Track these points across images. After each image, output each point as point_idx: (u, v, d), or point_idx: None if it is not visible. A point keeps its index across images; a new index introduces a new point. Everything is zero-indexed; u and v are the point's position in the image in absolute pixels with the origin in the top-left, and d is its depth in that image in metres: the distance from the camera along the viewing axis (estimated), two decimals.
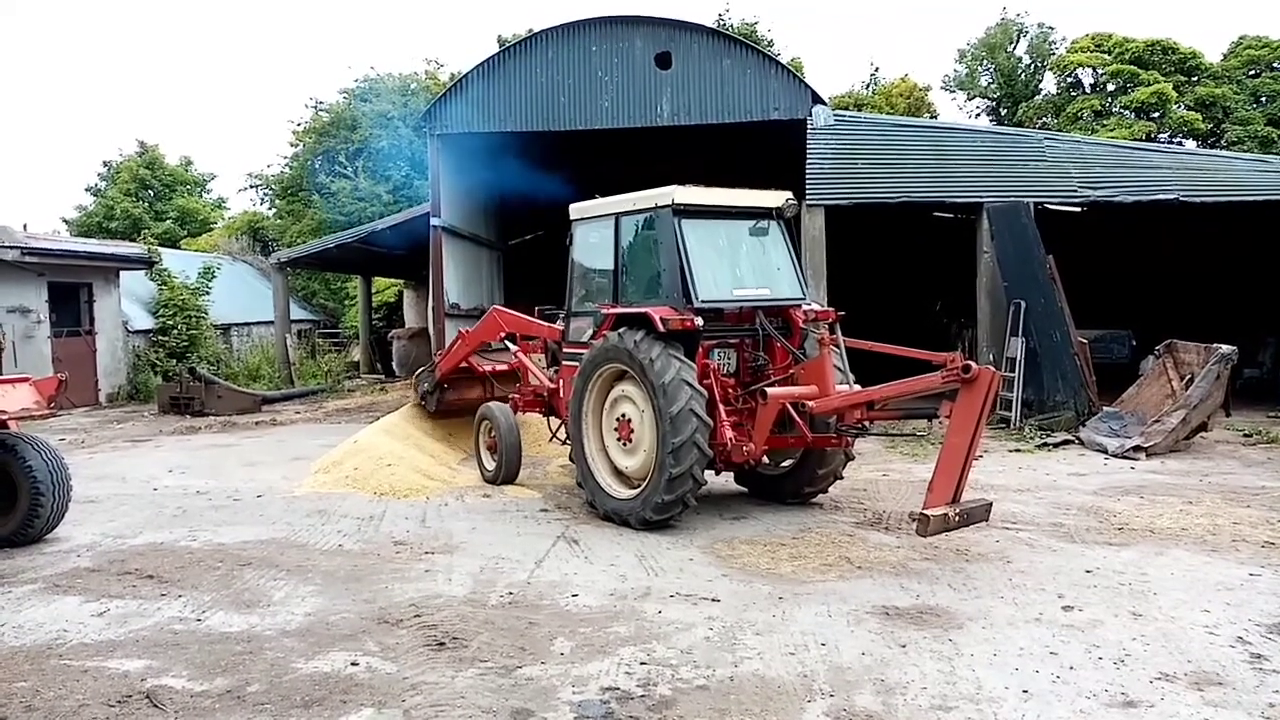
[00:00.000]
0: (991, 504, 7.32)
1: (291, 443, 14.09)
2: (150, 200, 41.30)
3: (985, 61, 40.71)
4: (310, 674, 5.16)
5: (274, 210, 39.78)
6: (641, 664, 5.27)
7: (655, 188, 8.77)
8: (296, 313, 28.77)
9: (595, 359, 8.73)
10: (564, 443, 9.82)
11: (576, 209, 9.76)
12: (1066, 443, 13.04)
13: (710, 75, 16.32)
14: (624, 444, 8.60)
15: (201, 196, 45.41)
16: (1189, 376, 12.74)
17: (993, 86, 40.72)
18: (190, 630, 5.86)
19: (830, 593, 6.49)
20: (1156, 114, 33.18)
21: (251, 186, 41.09)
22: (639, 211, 8.90)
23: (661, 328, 8.04)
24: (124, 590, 6.71)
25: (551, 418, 10.78)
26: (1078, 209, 16.41)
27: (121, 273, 21.83)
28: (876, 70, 47.84)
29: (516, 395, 11.02)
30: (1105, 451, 12.28)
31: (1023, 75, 40.05)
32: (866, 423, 8.40)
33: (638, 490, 8.34)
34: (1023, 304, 14.70)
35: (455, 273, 18.45)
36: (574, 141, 18.06)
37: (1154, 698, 4.79)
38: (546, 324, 10.76)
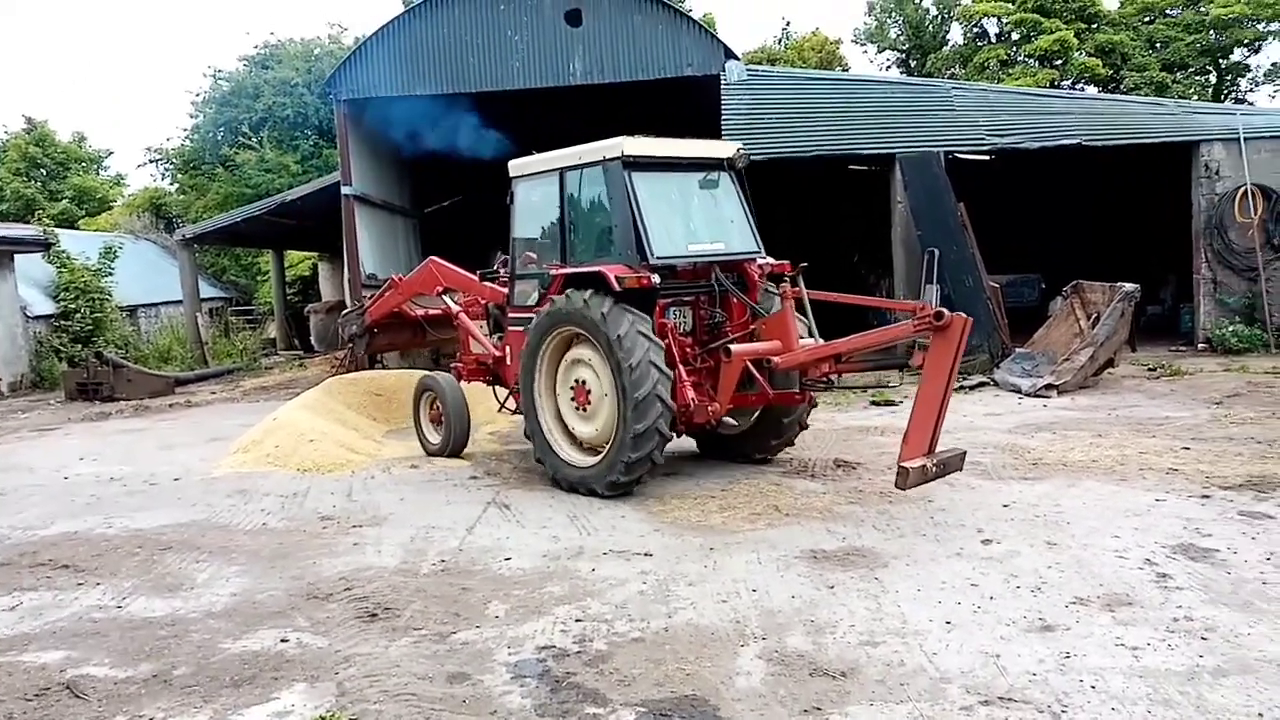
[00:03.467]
0: (965, 453, 7.22)
1: (208, 423, 13.69)
2: (42, 179, 39.30)
3: (894, 14, 41.09)
4: (239, 653, 5.05)
5: (176, 186, 38.16)
6: (577, 621, 5.30)
7: (583, 144, 8.45)
8: (206, 291, 27.85)
9: (545, 324, 8.35)
10: (514, 413, 9.51)
11: (516, 165, 9.24)
12: (982, 385, 13.44)
13: (621, 32, 16.16)
14: (581, 410, 8.27)
15: (98, 174, 43.36)
16: (1095, 315, 13.22)
17: (901, 39, 41.19)
18: (111, 618, 5.69)
19: (760, 541, 6.61)
20: (1059, 61, 33.99)
21: (151, 161, 39.25)
22: (586, 165, 8.42)
23: (617, 287, 7.68)
24: (37, 582, 6.46)
25: (498, 387, 10.28)
26: (987, 156, 16.79)
27: (16, 256, 20.77)
28: (788, 25, 47.95)
29: (459, 364, 10.56)
30: (1019, 391, 12.71)
31: (930, 27, 40.58)
32: (833, 377, 8.19)
33: (601, 456, 8.02)
34: (936, 252, 15.01)
35: (370, 242, 18.06)
36: (486, 104, 17.71)
37: (1069, 621, 5.01)
38: (489, 285, 10.20)
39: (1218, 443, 8.94)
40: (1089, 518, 6.80)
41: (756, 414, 8.81)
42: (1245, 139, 15.83)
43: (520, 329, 9.02)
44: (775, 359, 7.81)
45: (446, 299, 10.82)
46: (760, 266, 8.62)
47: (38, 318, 21.20)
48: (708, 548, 6.53)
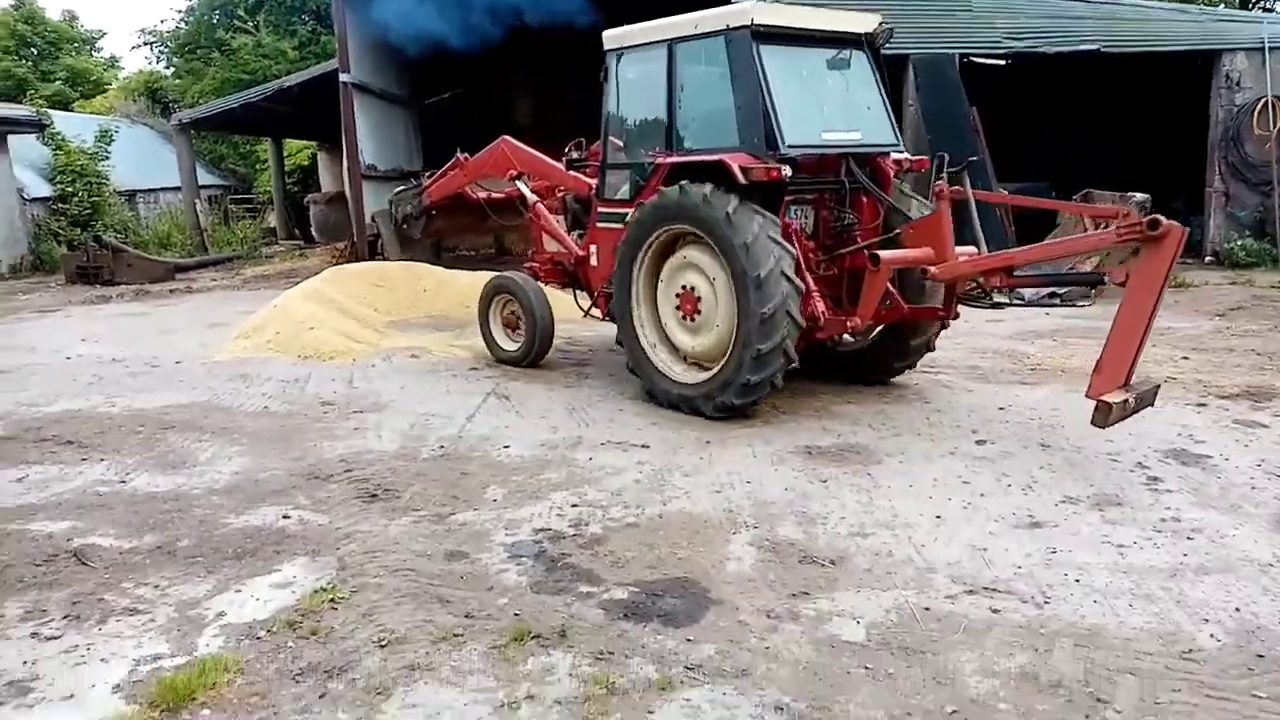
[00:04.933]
0: (1160, 385, 6.27)
1: (209, 310, 13.69)
2: (33, 59, 38.33)
3: None
4: (241, 528, 5.15)
5: (172, 69, 37.31)
6: (573, 506, 5.39)
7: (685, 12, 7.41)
8: (205, 178, 27.46)
9: (649, 220, 7.36)
10: (602, 319, 8.64)
11: (613, 36, 8.07)
12: (982, 296, 13.35)
13: None
14: (687, 321, 7.32)
15: (91, 55, 42.31)
16: (1103, 225, 13.06)
17: None
18: (115, 492, 5.78)
19: (756, 436, 6.67)
20: None
21: (145, 44, 38.31)
22: (703, 36, 7.27)
23: (742, 179, 6.69)
24: (42, 456, 6.55)
25: (578, 291, 9.24)
26: (1003, 61, 16.33)
27: (10, 137, 20.43)
28: None
29: (534, 263, 9.59)
30: (1022, 299, 12.66)
31: None
32: (1001, 293, 7.06)
33: (711, 373, 7.14)
34: (946, 157, 14.72)
35: (370, 132, 17.70)
36: None
37: (1058, 518, 5.09)
38: (574, 174, 9.09)
39: (1218, 354, 8.95)
40: (1084, 422, 6.76)
41: (878, 331, 7.67)
42: (1270, 49, 15.37)
43: (609, 226, 8.13)
44: (931, 269, 6.70)
45: (523, 186, 9.67)
46: (897, 162, 7.56)
47: (35, 200, 20.99)
48: (704, 441, 6.59)
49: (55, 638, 3.97)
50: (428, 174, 10.87)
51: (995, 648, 3.81)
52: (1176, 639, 3.84)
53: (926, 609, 4.13)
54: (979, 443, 6.42)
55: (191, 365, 9.55)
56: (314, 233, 23.57)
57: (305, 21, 30.20)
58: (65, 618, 4.14)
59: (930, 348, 7.83)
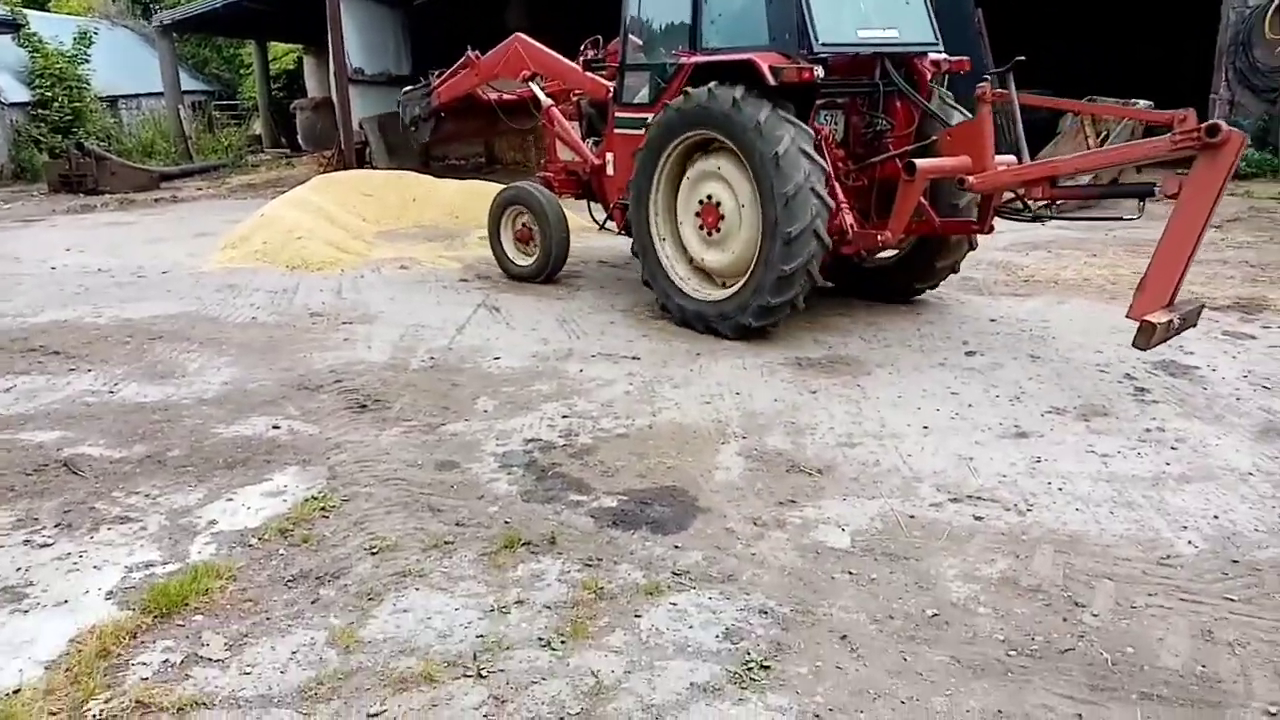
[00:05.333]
0: (1203, 305, 5.84)
1: (195, 219, 13.49)
2: None
3: None
4: (232, 438, 5.17)
5: None
6: (564, 417, 5.41)
7: None
8: (188, 83, 26.74)
9: (672, 123, 6.88)
10: (618, 233, 8.26)
11: None
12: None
13: None
14: (708, 233, 6.92)
15: None
16: (1105, 134, 12.85)
17: None
18: (104, 402, 5.78)
19: (746, 348, 6.66)
20: None
21: None
22: None
23: (772, 80, 6.22)
24: (29, 366, 6.52)
25: (593, 203, 8.86)
26: None
27: None
28: None
29: (548, 173, 9.17)
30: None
31: None
32: (1042, 204, 6.57)
33: (730, 291, 6.80)
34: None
35: (357, 35, 17.22)
36: None
37: (1044, 428, 5.13)
38: (591, 76, 8.54)
39: (1211, 265, 8.89)
40: (1074, 333, 6.85)
41: (908, 246, 7.34)
42: None
43: (627, 132, 7.64)
44: (969, 179, 6.26)
45: (536, 88, 9.11)
46: (935, 64, 7.04)
47: (13, 105, 20.48)
48: (694, 353, 6.59)
49: (47, 545, 4.01)
50: (436, 74, 10.25)
51: (977, 554, 3.87)
52: (1155, 545, 3.90)
53: (911, 516, 4.18)
54: (969, 354, 6.43)
55: (178, 275, 9.46)
56: (300, 140, 23.08)
57: None
58: (57, 526, 4.17)
59: (955, 269, 7.50)
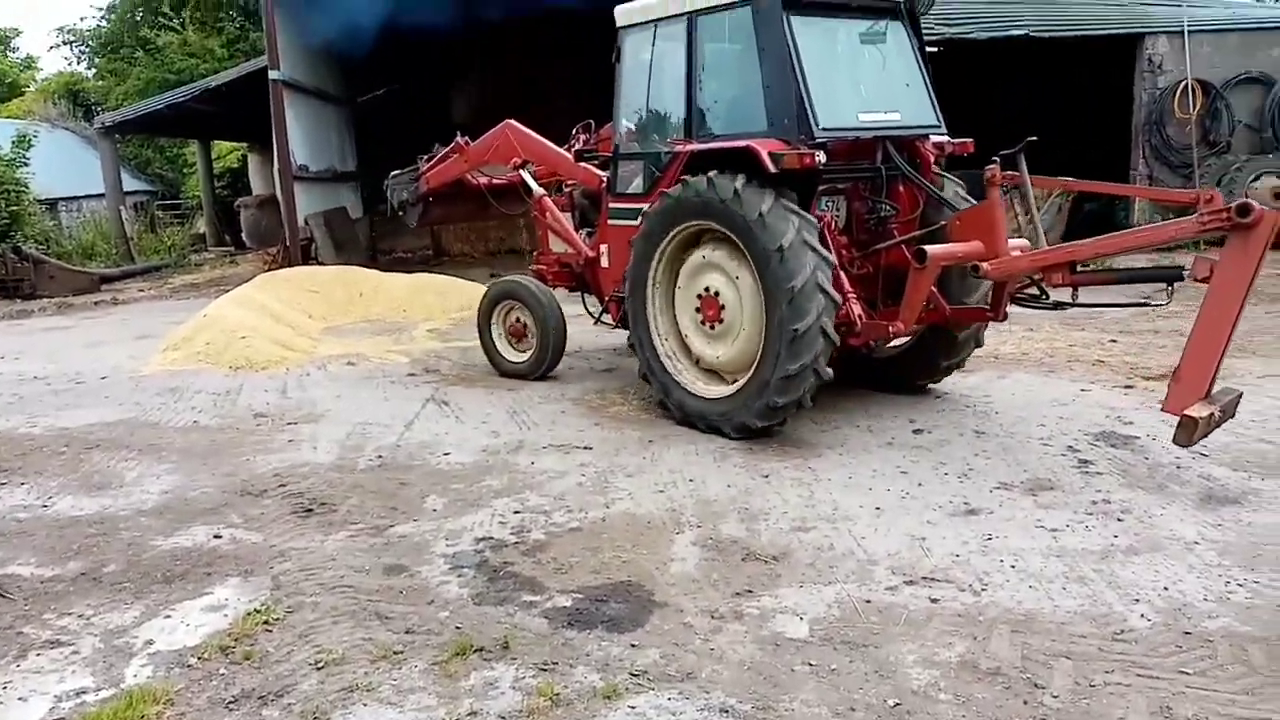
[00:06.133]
0: (1241, 394, 5.33)
1: (136, 321, 13.29)
2: None
3: None
4: (170, 550, 5.00)
5: (94, 70, 36.18)
6: (515, 513, 5.33)
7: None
8: (131, 183, 26.73)
9: (669, 213, 6.64)
10: (614, 327, 8.03)
11: (626, 12, 7.37)
12: None
13: None
14: (709, 327, 6.62)
15: (6, 56, 40.86)
16: (1030, 213, 13.31)
17: None
18: (36, 517, 5.57)
19: (697, 434, 6.65)
20: None
21: (64, 43, 37.05)
22: (728, 7, 6.54)
23: (772, 167, 6.00)
24: None
25: (587, 294, 8.63)
26: (936, 48, 16.53)
27: None
28: None
29: (540, 265, 8.95)
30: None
31: None
32: (1060, 292, 6.25)
33: (734, 387, 6.50)
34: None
35: (301, 132, 17.34)
36: None
37: (993, 504, 5.18)
38: (583, 166, 8.33)
39: (1144, 335, 9.20)
40: (1017, 407, 6.98)
41: (915, 338, 7.07)
42: (1189, 32, 15.82)
43: (622, 222, 7.42)
44: (984, 265, 5.92)
45: (527, 176, 8.87)
46: (938, 146, 6.88)
47: None
48: (647, 440, 6.57)
49: None
50: (425, 158, 10.11)
51: (935, 637, 3.85)
52: (1109, 620, 3.92)
53: (868, 601, 4.16)
54: (916, 432, 6.50)
55: (118, 380, 9.26)
56: (245, 238, 23.08)
57: (234, 18, 29.45)
58: None
59: (979, 342, 7.12)
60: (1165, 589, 4.16)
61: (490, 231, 21.02)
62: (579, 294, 8.80)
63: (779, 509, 5.23)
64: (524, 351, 8.64)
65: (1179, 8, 16.58)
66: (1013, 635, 3.84)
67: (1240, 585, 4.17)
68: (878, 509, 5.17)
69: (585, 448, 6.48)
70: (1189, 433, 4.78)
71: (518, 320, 8.63)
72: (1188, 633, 3.80)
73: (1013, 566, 4.42)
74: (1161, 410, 5.02)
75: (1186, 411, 4.80)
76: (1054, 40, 16.26)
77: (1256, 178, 14.98)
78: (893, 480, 5.60)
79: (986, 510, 5.10)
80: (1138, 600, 4.07)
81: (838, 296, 6.08)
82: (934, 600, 4.15)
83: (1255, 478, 5.40)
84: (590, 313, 8.60)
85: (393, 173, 10.50)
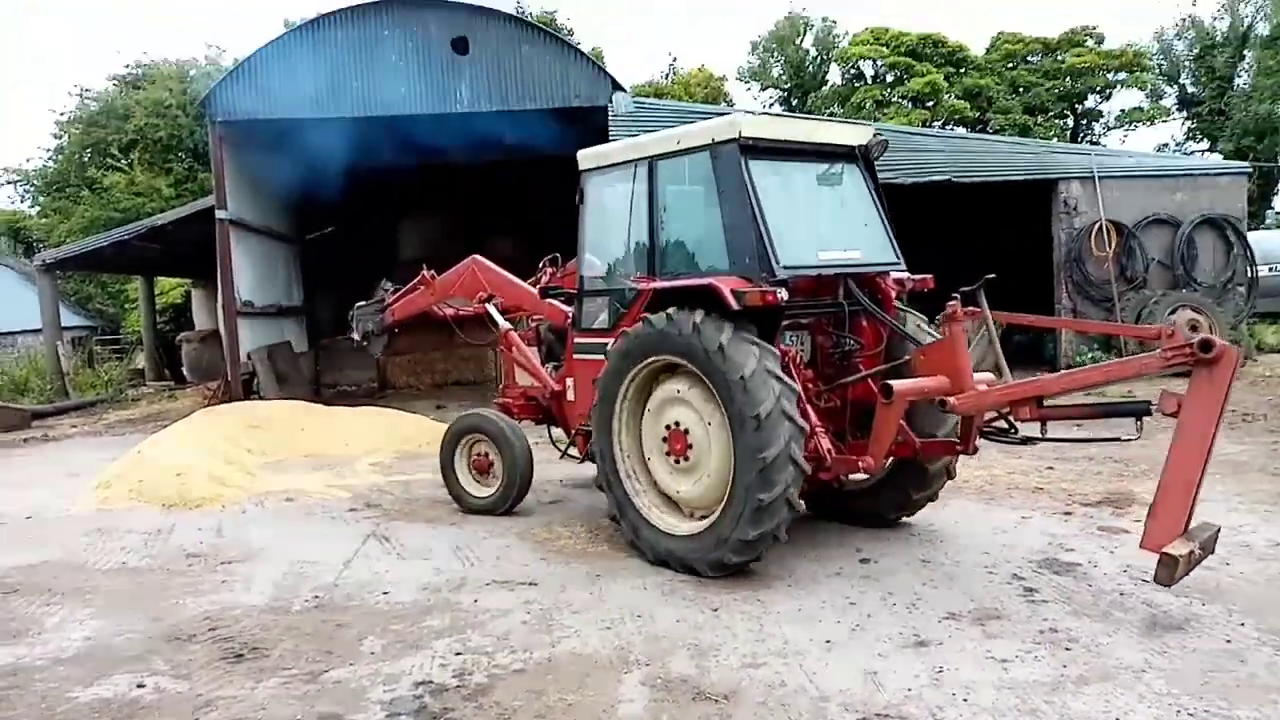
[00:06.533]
0: (1219, 529, 5.41)
1: (68, 458, 12.86)
2: None
3: (776, 53, 42.53)
4: (89, 702, 4.71)
5: (38, 208, 36.16)
6: (456, 654, 5.15)
7: (626, 138, 7.06)
8: (70, 319, 26.38)
9: (632, 350, 6.64)
10: (581, 460, 7.98)
11: (589, 156, 7.60)
12: None
13: (509, 61, 16.11)
14: (676, 462, 6.54)
15: None
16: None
17: (783, 77, 42.59)
18: None
19: (646, 568, 6.57)
20: (930, 103, 35.70)
21: (9, 183, 37.11)
22: (688, 151, 6.73)
23: (735, 304, 6.03)
24: None
25: (553, 428, 8.69)
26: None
27: None
28: (674, 60, 49.14)
29: (506, 398, 8.95)
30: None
31: (810, 67, 42.09)
32: (1026, 425, 6.16)
33: (704, 523, 6.36)
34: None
35: (247, 269, 17.41)
36: (371, 130, 17.41)
37: (943, 635, 5.14)
38: (549, 302, 8.52)
39: (1079, 462, 9.40)
40: (960, 536, 7.03)
41: (885, 470, 6.94)
42: (1099, 177, 16.90)
43: (587, 357, 7.49)
44: (950, 400, 5.90)
45: (493, 310, 8.95)
46: (899, 281, 7.06)
47: None
48: (594, 575, 6.46)
49: None
50: (390, 288, 10.17)
51: None
52: None
53: None
54: (863, 561, 6.50)
55: (44, 519, 8.90)
56: (186, 372, 22.75)
57: (182, 159, 29.87)
58: None
59: (951, 474, 7.09)
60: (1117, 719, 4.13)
61: (435, 364, 21.07)
62: (543, 426, 8.79)
63: (729, 644, 5.13)
64: (489, 486, 8.48)
65: (1088, 156, 17.77)
66: None
67: (1190, 715, 4.16)
68: (828, 642, 5.11)
69: (530, 584, 6.34)
70: (1170, 571, 4.74)
71: (484, 454, 8.49)
72: None
73: (965, 700, 4.37)
74: (1140, 547, 4.98)
75: (1166, 550, 4.76)
76: (974, 185, 17.22)
77: (1173, 310, 15.78)
78: (842, 612, 5.55)
79: (936, 641, 5.06)
80: None
81: (804, 423, 6.03)
82: None
83: (1197, 603, 5.46)
84: (557, 446, 8.49)
85: (358, 304, 10.57)
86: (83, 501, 9.48)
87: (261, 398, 15.82)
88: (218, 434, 11.55)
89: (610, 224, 7.45)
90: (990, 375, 6.41)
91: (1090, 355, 16.30)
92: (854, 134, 7.19)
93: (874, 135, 7.22)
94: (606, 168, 7.43)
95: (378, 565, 6.96)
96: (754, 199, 6.33)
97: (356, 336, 10.46)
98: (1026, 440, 6.31)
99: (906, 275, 7.08)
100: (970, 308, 6.38)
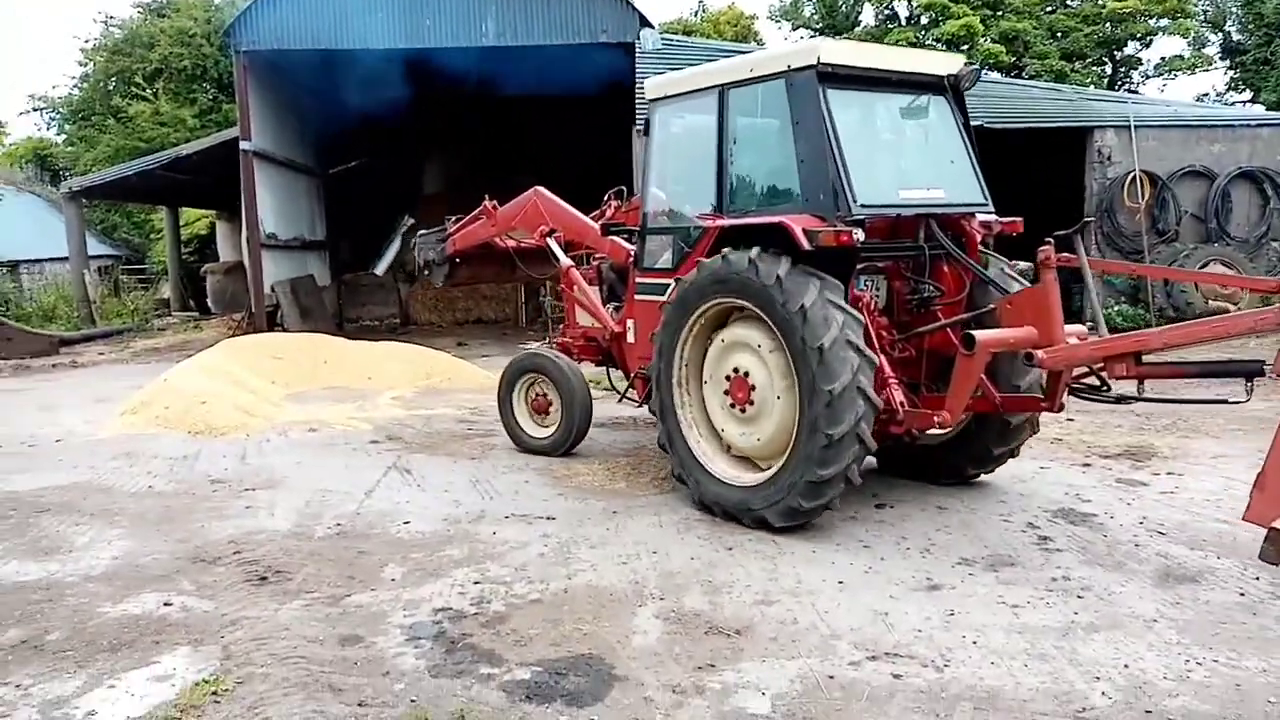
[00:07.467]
0: None
1: (95, 385, 13.08)
2: None
3: None
4: (118, 617, 4.85)
5: (64, 136, 36.19)
6: (475, 584, 5.25)
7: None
8: (96, 248, 26.57)
9: (693, 292, 6.30)
10: (639, 404, 7.73)
11: (656, 85, 7.16)
12: None
13: None
14: (739, 411, 6.22)
15: None
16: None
17: (815, 17, 41.61)
18: None
19: (662, 505, 6.64)
20: (965, 46, 34.80)
21: (35, 110, 37.13)
22: (761, 79, 6.26)
23: (806, 244, 5.68)
24: None
25: (612, 370, 8.41)
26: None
27: None
28: None
29: (566, 339, 8.71)
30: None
31: (843, 7, 41.08)
32: (1125, 384, 5.62)
33: (770, 472, 6.05)
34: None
35: (270, 201, 17.45)
36: (395, 64, 17.24)
37: (955, 580, 5.18)
38: (612, 240, 8.13)
39: (1100, 415, 9.35)
40: (977, 484, 7.03)
41: (962, 425, 6.54)
42: (1135, 127, 16.51)
43: (649, 299, 7.15)
44: (1039, 354, 5.41)
45: (554, 246, 8.64)
46: (985, 225, 6.51)
47: None
48: (611, 511, 6.54)
49: None
50: (453, 219, 10.01)
51: (898, 714, 3.81)
52: (1070, 698, 3.91)
53: (831, 677, 4.12)
54: (878, 506, 6.53)
55: (72, 443, 9.08)
56: (210, 304, 22.95)
57: (207, 90, 29.74)
58: None
59: (1035, 427, 6.64)
60: (1126, 667, 4.17)
61: (457, 301, 21.13)
62: (603, 368, 8.60)
63: (742, 582, 5.20)
64: (547, 426, 8.37)
65: (1124, 104, 17.34)
66: (975, 713, 3.81)
67: (1199, 664, 4.19)
68: (840, 583, 5.16)
69: (548, 518, 6.42)
70: (1278, 548, 4.23)
71: (542, 394, 8.40)
72: (1149, 711, 3.80)
73: (975, 643, 4.42)
74: (1243, 519, 4.48)
75: (1275, 524, 4.25)
76: (1008, 131, 16.88)
77: (1204, 265, 15.51)
78: (855, 554, 5.60)
79: (948, 585, 5.10)
80: (1099, 678, 4.07)
81: (873, 355, 5.72)
82: (897, 676, 4.12)
83: (1212, 556, 5.46)
84: (615, 389, 8.23)
85: (420, 232, 10.43)
86: (110, 426, 9.65)
87: (285, 330, 15.95)
88: (241, 364, 11.67)
89: (677, 158, 7.18)
90: (1082, 328, 5.88)
91: (1116, 308, 16.11)
92: (943, 63, 6.62)
93: (965, 65, 6.65)
94: (674, 97, 7.03)
95: (398, 496, 7.07)
96: (831, 131, 5.87)
97: (420, 263, 10.33)
98: (1121, 399, 5.86)
99: (994, 218, 6.56)
100: (1065, 254, 5.82)
